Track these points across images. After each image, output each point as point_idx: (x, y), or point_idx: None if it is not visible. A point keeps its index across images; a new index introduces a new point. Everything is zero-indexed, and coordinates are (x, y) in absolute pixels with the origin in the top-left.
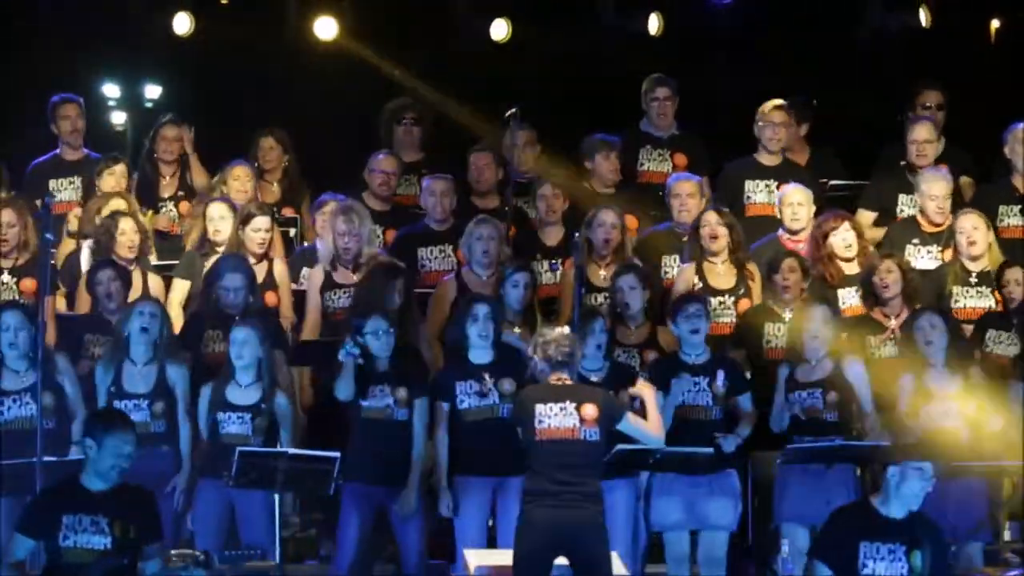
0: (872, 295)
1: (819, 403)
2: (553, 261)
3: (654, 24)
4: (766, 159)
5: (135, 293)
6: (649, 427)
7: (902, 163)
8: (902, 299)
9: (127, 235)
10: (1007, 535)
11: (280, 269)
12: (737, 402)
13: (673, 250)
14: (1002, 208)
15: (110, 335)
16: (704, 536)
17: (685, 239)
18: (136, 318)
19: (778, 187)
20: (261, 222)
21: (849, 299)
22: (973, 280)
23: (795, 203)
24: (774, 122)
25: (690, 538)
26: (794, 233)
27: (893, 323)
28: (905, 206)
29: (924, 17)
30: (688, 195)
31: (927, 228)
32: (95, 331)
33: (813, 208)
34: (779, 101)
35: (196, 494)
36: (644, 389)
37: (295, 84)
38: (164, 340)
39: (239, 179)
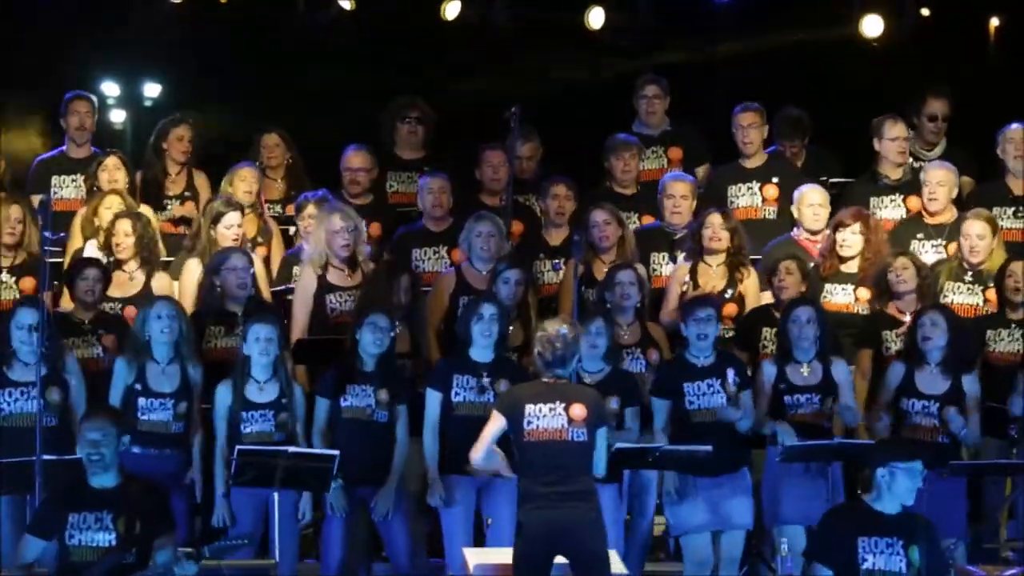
0: (887, 292)
1: (817, 408)
2: (556, 260)
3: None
4: (747, 161)
5: (126, 291)
6: (602, 457)
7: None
8: (917, 295)
9: (117, 236)
10: (1005, 533)
11: (256, 265)
12: (740, 399)
13: (663, 248)
14: (996, 210)
15: (84, 335)
16: (724, 536)
17: (676, 238)
18: (154, 322)
19: (761, 188)
20: (232, 218)
21: (833, 295)
22: (968, 278)
23: (816, 204)
24: (743, 124)
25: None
26: (813, 233)
27: (908, 318)
28: (877, 208)
29: (874, 26)
30: (682, 196)
31: (930, 220)
32: (68, 333)
33: (829, 209)
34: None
35: (231, 495)
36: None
37: (297, 80)
38: (185, 338)
39: (245, 180)
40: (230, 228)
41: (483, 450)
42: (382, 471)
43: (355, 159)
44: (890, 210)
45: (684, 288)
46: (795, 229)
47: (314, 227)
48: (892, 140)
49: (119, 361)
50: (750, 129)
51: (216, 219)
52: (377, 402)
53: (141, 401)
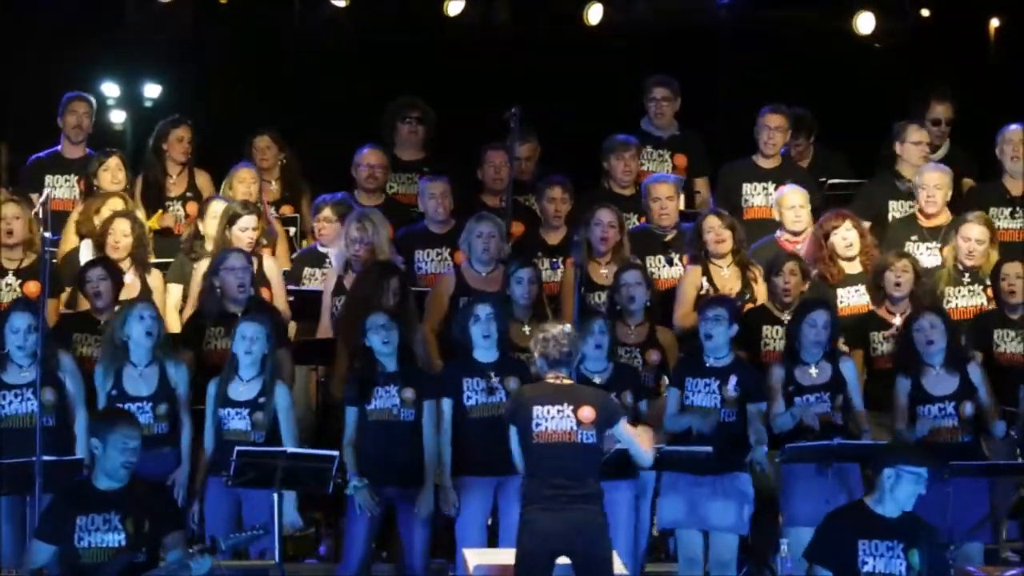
0: (881, 291)
1: (828, 407)
2: (554, 260)
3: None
4: (764, 161)
5: (128, 293)
6: (640, 441)
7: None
8: (910, 299)
9: (115, 235)
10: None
11: (270, 264)
12: (748, 410)
13: (654, 250)
14: (993, 211)
15: (97, 334)
16: (713, 538)
17: (666, 239)
18: (137, 323)
19: (776, 189)
20: (248, 221)
21: (848, 298)
22: (966, 280)
23: (796, 205)
24: (770, 126)
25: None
26: (795, 235)
27: (897, 320)
28: (896, 212)
29: (867, 23)
30: (667, 197)
31: (925, 223)
32: (82, 330)
33: (809, 208)
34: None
35: (205, 492)
36: (632, 431)
37: (297, 80)
38: (162, 340)
39: (244, 181)
40: (245, 231)
41: (519, 461)
42: (407, 471)
43: (372, 155)
44: (926, 257)
45: (702, 292)
46: (778, 231)
47: (340, 231)
48: (915, 144)
49: (96, 370)
50: (776, 131)
51: (232, 220)
52: (402, 401)
53: (119, 407)
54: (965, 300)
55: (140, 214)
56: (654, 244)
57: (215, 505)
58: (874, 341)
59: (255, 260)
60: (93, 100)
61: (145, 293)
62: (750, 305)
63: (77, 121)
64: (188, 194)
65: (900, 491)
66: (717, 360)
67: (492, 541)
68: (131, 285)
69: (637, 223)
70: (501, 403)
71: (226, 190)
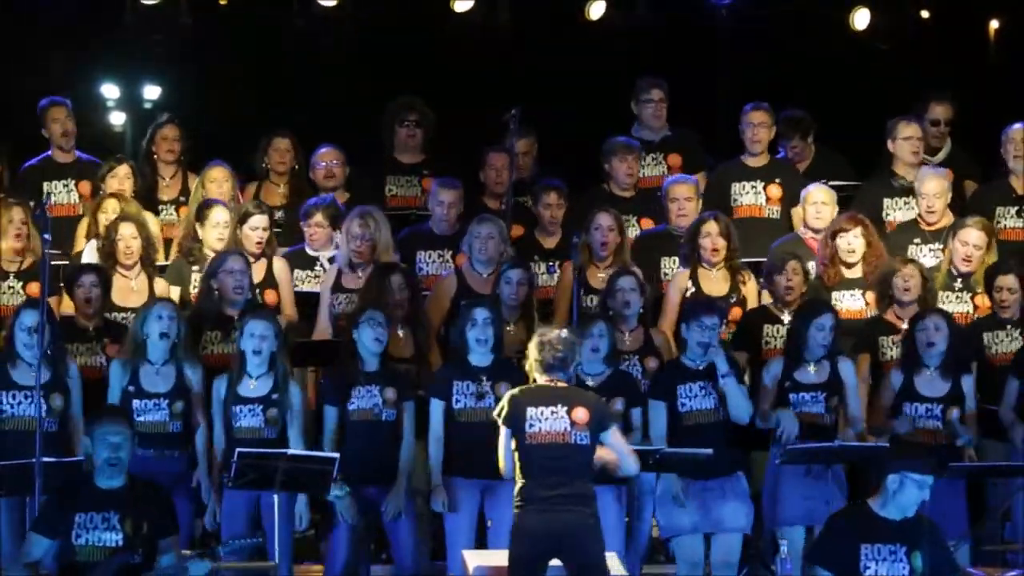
0: (889, 297)
1: (821, 407)
2: (551, 264)
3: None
4: (751, 160)
5: (141, 297)
6: (629, 452)
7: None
8: (918, 303)
9: (124, 240)
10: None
11: (280, 266)
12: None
13: (672, 252)
14: (999, 210)
15: (88, 342)
16: (718, 539)
17: (683, 241)
18: (155, 323)
19: (765, 187)
20: (259, 220)
21: (843, 302)
22: (957, 286)
23: (819, 202)
24: (753, 123)
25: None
26: (817, 232)
27: (906, 325)
28: (891, 210)
29: (863, 19)
30: (686, 198)
31: (925, 227)
32: (73, 339)
33: (836, 208)
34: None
35: (222, 491)
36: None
37: (298, 80)
38: (181, 340)
39: (215, 181)
40: (255, 230)
41: (507, 464)
42: (389, 471)
43: (327, 154)
44: (903, 212)
45: (688, 295)
46: (802, 228)
47: (331, 235)
48: (906, 140)
49: (114, 363)
50: (760, 128)
51: (243, 219)
52: (384, 401)
53: (136, 403)
54: (952, 306)
55: (148, 216)
56: (670, 245)
57: (232, 505)
58: (883, 346)
59: (264, 262)
60: (68, 102)
61: (152, 295)
62: (738, 311)
63: (63, 128)
64: (181, 198)
65: (903, 497)
66: (702, 362)
67: (482, 542)
68: (139, 292)
69: (637, 226)
70: (490, 408)
71: (198, 189)
